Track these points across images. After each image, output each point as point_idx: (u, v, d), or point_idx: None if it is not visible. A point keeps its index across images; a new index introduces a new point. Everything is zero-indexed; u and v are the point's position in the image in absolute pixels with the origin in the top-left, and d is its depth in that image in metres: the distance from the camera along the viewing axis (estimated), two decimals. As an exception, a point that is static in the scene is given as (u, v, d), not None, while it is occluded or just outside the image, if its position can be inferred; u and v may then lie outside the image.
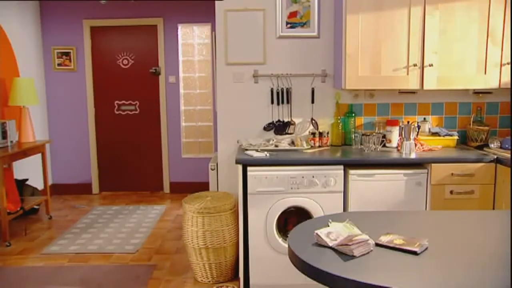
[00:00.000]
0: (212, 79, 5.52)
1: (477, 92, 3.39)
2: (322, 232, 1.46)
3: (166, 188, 5.77)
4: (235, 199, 3.20)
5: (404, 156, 2.94)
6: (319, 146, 3.28)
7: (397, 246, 1.36)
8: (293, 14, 3.37)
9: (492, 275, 1.18)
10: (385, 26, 3.02)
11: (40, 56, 5.48)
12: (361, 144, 3.20)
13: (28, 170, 5.10)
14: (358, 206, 2.86)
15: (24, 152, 4.30)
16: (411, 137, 2.98)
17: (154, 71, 5.57)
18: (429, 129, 3.38)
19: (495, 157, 2.88)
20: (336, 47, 3.28)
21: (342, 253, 1.34)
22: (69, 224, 4.48)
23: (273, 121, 3.42)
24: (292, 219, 2.99)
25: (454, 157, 2.93)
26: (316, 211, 2.87)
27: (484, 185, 2.87)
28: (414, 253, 1.32)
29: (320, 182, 2.84)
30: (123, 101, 5.70)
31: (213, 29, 5.29)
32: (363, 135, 3.20)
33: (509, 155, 2.83)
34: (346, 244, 1.35)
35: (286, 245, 1.49)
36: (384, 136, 3.21)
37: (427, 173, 2.87)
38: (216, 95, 3.62)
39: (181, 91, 5.65)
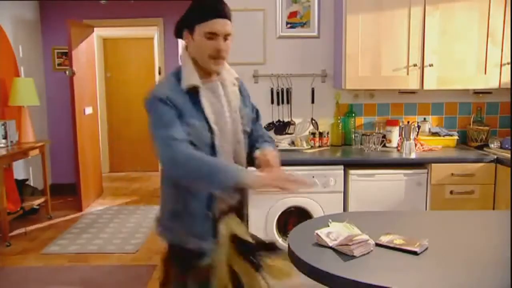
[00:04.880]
0: (212, 79, 5.51)
1: (477, 92, 3.39)
2: (322, 232, 1.46)
3: (166, 188, 5.76)
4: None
5: (404, 156, 2.94)
6: (319, 146, 3.28)
7: (397, 246, 1.36)
8: (293, 14, 3.37)
9: (492, 275, 1.18)
10: (385, 26, 3.02)
11: (40, 56, 5.48)
12: (361, 144, 3.20)
13: (28, 170, 5.10)
14: (358, 206, 2.86)
15: (24, 152, 4.30)
16: (411, 137, 2.98)
17: None
18: (429, 129, 3.38)
19: (495, 157, 2.88)
20: (336, 47, 3.28)
21: (342, 253, 1.34)
22: (69, 224, 4.48)
23: (273, 121, 3.41)
24: (292, 219, 2.99)
25: (454, 157, 2.93)
26: (316, 211, 2.87)
27: (484, 185, 2.87)
28: (414, 253, 1.32)
29: (320, 182, 2.84)
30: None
31: (213, 29, 5.28)
32: (363, 135, 3.20)
33: (509, 155, 2.83)
34: (346, 244, 1.34)
35: (286, 245, 1.49)
36: (384, 136, 3.21)
37: (427, 173, 2.87)
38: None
39: (181, 91, 5.64)
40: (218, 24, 1.57)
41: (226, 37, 1.59)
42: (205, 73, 1.64)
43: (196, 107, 1.58)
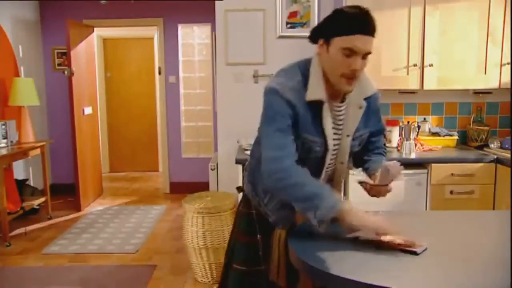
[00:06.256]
0: (212, 79, 5.52)
1: (477, 92, 3.39)
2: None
3: (166, 188, 5.77)
4: (235, 199, 3.20)
5: (404, 156, 2.94)
6: (319, 146, 3.27)
7: (397, 246, 1.36)
8: (293, 14, 3.37)
9: (492, 275, 1.18)
10: (385, 26, 3.02)
11: (40, 56, 5.48)
12: (361, 144, 3.20)
13: (28, 170, 5.10)
14: (358, 206, 2.85)
15: (24, 152, 4.30)
16: (411, 137, 2.98)
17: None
18: (429, 129, 3.38)
19: (495, 157, 2.88)
20: (336, 47, 3.28)
21: (343, 251, 1.34)
22: (69, 224, 4.48)
23: (273, 121, 3.40)
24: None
25: (454, 157, 2.93)
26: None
27: (484, 185, 2.87)
28: (414, 253, 1.32)
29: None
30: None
31: (213, 29, 5.29)
32: (363, 135, 3.19)
33: (509, 155, 2.83)
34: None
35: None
36: (384, 136, 3.21)
37: (427, 173, 2.87)
38: (216, 95, 3.62)
39: (181, 91, 5.64)
40: (359, 41, 1.39)
41: (365, 55, 1.43)
42: (332, 88, 1.50)
43: (315, 121, 1.48)
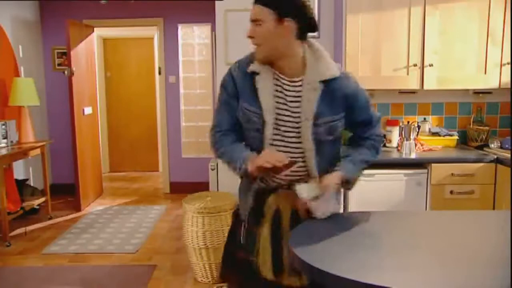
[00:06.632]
0: (212, 79, 5.52)
1: (477, 92, 3.39)
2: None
3: (166, 188, 5.77)
4: (235, 199, 3.20)
5: (404, 156, 2.94)
6: (319, 146, 3.27)
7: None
8: (293, 14, 3.37)
9: (492, 275, 1.18)
10: (385, 26, 3.02)
11: (40, 56, 5.48)
12: (361, 144, 3.20)
13: (28, 170, 5.10)
14: (358, 206, 2.86)
15: (24, 152, 4.30)
16: (411, 137, 2.98)
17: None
18: (429, 129, 3.38)
19: (495, 157, 2.88)
20: (336, 47, 3.28)
21: (343, 250, 1.34)
22: (69, 224, 4.48)
23: (273, 121, 3.41)
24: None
25: (454, 157, 2.93)
26: (316, 211, 2.86)
27: (484, 185, 2.87)
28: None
29: (320, 182, 2.83)
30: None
31: (213, 29, 5.29)
32: (363, 135, 3.19)
33: (509, 155, 2.83)
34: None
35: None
36: (384, 136, 3.21)
37: (427, 173, 2.87)
38: (216, 95, 3.61)
39: (181, 91, 5.64)
40: (252, 9, 1.57)
41: (255, 22, 1.56)
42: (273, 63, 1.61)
43: (253, 91, 1.60)
